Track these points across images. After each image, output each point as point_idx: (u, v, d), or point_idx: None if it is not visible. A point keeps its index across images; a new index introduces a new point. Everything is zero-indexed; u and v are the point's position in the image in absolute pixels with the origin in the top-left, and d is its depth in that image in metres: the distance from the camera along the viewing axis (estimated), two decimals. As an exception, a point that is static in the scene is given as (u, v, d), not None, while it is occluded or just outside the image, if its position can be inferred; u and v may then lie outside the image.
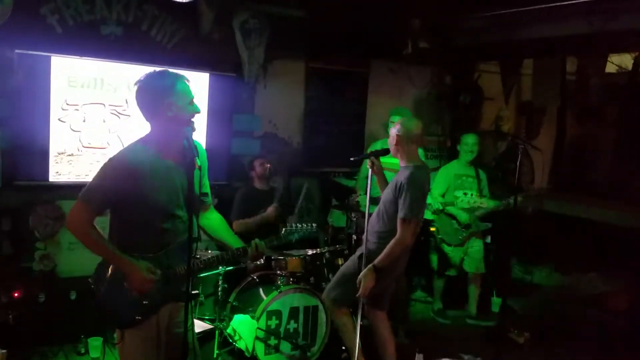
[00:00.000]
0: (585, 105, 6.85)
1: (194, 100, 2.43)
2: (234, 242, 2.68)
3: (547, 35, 4.89)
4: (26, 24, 4.10)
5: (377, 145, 4.78)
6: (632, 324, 4.70)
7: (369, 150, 4.74)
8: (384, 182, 3.71)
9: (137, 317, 2.37)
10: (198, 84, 4.83)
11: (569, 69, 6.51)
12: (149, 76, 2.40)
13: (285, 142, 5.69)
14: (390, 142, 3.60)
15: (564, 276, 6.26)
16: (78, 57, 4.25)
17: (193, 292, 2.56)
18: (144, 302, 2.36)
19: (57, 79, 4.17)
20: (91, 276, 2.45)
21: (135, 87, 2.39)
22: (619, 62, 6.72)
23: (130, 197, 2.30)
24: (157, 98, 2.35)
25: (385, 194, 3.58)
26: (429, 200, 4.54)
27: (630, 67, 6.50)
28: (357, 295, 3.41)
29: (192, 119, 2.41)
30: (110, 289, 2.36)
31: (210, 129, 4.88)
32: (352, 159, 3.84)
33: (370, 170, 3.53)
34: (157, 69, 2.46)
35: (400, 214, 3.40)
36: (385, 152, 3.63)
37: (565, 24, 4.62)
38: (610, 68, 6.51)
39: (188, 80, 2.43)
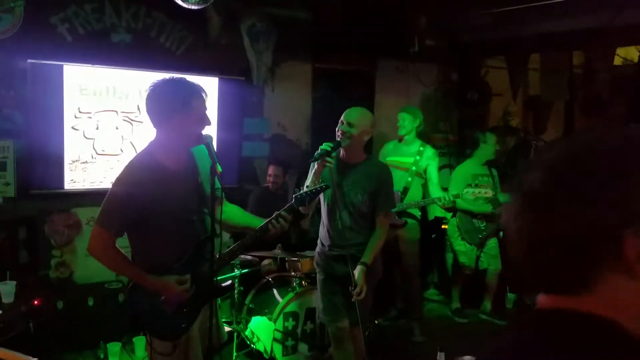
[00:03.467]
0: (592, 99, 6.84)
1: (206, 112, 2.36)
2: (257, 223, 2.63)
3: (554, 30, 4.90)
4: (37, 34, 4.15)
5: (390, 147, 4.80)
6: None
7: (382, 155, 4.78)
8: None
9: (182, 326, 2.40)
10: (208, 88, 4.83)
11: (576, 62, 6.51)
12: (165, 83, 2.31)
13: (294, 143, 5.72)
14: (360, 136, 3.21)
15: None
16: (89, 65, 4.28)
17: (224, 284, 2.59)
18: (185, 310, 2.39)
19: (69, 87, 4.21)
20: (125, 300, 2.46)
21: (148, 91, 2.31)
22: (624, 54, 6.70)
23: (146, 212, 2.28)
24: (168, 108, 2.28)
25: (356, 196, 3.23)
26: (439, 194, 4.52)
27: (636, 59, 6.49)
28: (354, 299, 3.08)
29: (202, 132, 2.34)
30: (150, 305, 2.36)
31: (221, 132, 4.90)
32: (312, 158, 3.14)
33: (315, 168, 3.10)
34: (174, 75, 2.37)
35: (384, 208, 3.27)
36: (337, 146, 3.19)
37: (573, 19, 4.62)
38: (616, 61, 6.49)
39: (205, 94, 2.36)
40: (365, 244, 3.23)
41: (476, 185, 4.48)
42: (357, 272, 3.10)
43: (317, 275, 3.46)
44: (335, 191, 3.20)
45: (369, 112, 3.31)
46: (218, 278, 2.60)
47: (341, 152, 3.28)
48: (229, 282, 2.70)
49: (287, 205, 2.75)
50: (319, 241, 3.46)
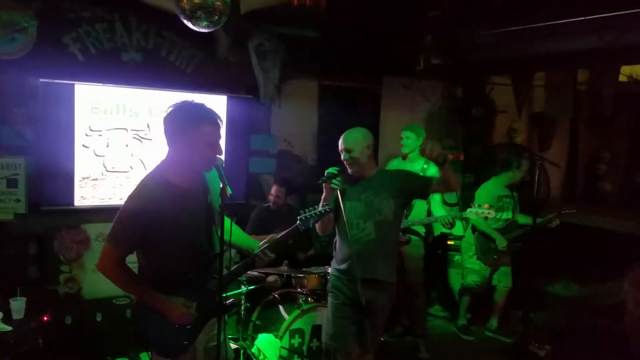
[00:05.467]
0: (597, 116, 6.87)
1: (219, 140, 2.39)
2: (251, 243, 2.70)
3: (558, 50, 4.93)
4: (49, 53, 4.24)
5: (394, 163, 4.83)
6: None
7: (390, 166, 4.82)
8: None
9: (184, 343, 2.43)
10: (216, 106, 4.91)
11: (580, 79, 6.54)
12: (184, 103, 2.38)
13: (300, 159, 5.77)
14: (363, 154, 3.19)
15: (582, 287, 6.25)
16: (100, 84, 4.36)
17: (228, 302, 2.61)
18: (188, 327, 2.43)
19: (80, 105, 4.28)
20: (131, 315, 2.50)
21: (169, 110, 2.37)
22: (629, 71, 6.74)
23: (156, 230, 2.32)
24: (181, 126, 2.33)
25: (381, 202, 3.19)
26: (442, 211, 4.55)
27: (641, 76, 6.53)
28: None
29: (211, 160, 2.36)
30: (153, 321, 2.39)
31: (229, 149, 4.96)
32: (318, 182, 3.17)
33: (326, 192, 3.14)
34: (193, 96, 2.42)
35: (425, 183, 3.25)
36: (341, 171, 3.19)
37: (577, 39, 4.66)
38: (621, 78, 6.53)
39: (220, 121, 2.39)
40: (388, 270, 3.21)
41: (479, 206, 4.46)
42: None
43: (331, 299, 3.33)
44: (355, 205, 3.19)
45: (361, 129, 3.27)
46: (224, 295, 2.63)
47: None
48: (232, 300, 2.71)
49: (292, 227, 2.78)
50: (333, 264, 3.38)
